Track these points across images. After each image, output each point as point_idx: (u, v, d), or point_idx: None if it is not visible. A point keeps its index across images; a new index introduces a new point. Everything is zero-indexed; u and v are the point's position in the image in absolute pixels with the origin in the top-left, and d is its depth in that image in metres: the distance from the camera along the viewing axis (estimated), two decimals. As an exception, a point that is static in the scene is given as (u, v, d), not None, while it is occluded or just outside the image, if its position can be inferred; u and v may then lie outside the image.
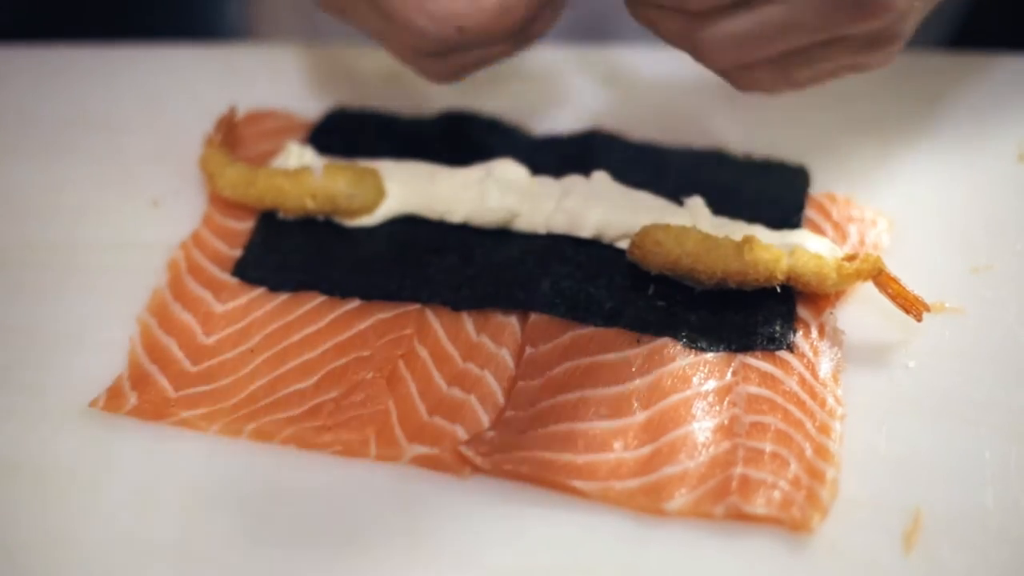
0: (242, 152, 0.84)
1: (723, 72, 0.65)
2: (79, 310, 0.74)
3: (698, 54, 0.63)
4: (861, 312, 0.72)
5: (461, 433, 0.65)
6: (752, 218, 0.75)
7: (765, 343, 0.69)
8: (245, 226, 0.78)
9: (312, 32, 1.13)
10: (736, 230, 0.73)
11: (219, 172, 0.79)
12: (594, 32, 1.07)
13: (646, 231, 0.71)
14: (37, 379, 0.70)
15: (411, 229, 0.77)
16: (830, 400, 0.66)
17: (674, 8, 0.60)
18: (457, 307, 0.71)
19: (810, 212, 0.78)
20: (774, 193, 0.79)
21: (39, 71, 0.94)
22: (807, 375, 0.67)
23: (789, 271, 0.69)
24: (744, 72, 0.64)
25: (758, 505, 0.61)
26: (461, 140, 0.84)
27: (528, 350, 0.69)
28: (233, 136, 0.84)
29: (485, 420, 0.66)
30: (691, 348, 0.68)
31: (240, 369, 0.69)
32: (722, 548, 0.60)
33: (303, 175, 0.77)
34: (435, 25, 0.66)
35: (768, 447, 0.63)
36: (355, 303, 0.72)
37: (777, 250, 0.69)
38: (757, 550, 0.60)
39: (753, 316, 0.70)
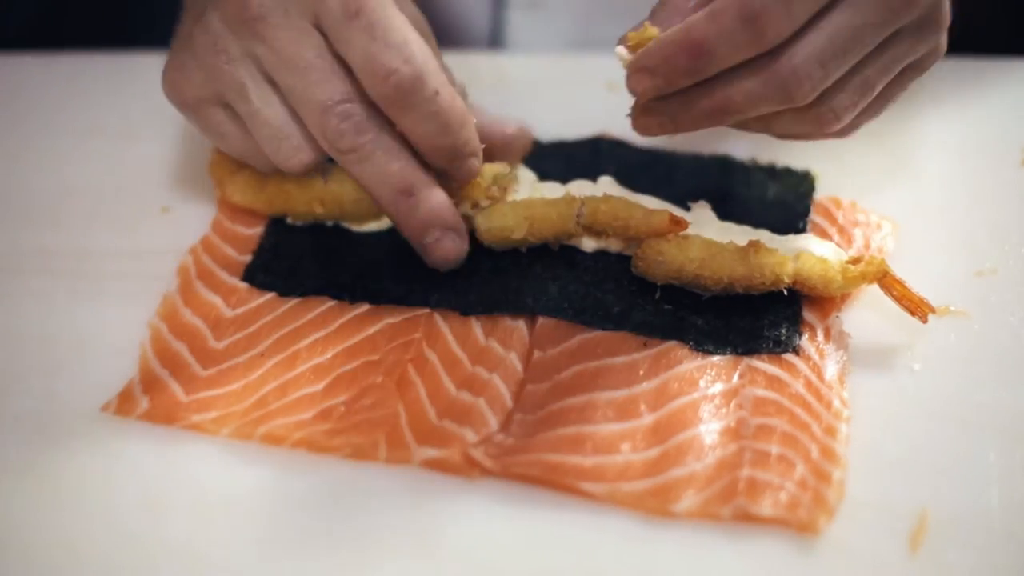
0: (251, 158, 0.84)
1: (815, 118, 0.68)
2: (90, 316, 0.74)
3: (786, 92, 0.64)
4: (866, 315, 0.72)
5: (470, 436, 0.65)
6: (758, 223, 0.76)
7: (771, 346, 0.69)
8: (254, 231, 0.79)
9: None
10: (742, 235, 0.73)
11: (228, 178, 0.79)
12: (596, 38, 1.07)
13: (648, 243, 0.71)
14: (49, 384, 0.70)
15: (419, 234, 0.77)
16: (836, 402, 0.67)
17: (748, 46, 0.63)
18: (466, 312, 0.72)
19: (815, 216, 0.79)
20: (779, 198, 0.80)
21: (50, 79, 0.95)
22: (813, 378, 0.68)
23: (795, 275, 0.70)
24: (828, 104, 0.67)
25: (765, 506, 0.61)
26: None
27: (536, 354, 0.69)
28: (242, 142, 0.84)
29: (494, 423, 0.66)
30: (698, 351, 0.69)
31: (250, 373, 0.70)
32: (729, 549, 0.61)
33: (311, 180, 0.77)
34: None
35: (775, 449, 0.64)
36: (364, 308, 0.73)
37: (783, 254, 0.70)
38: (764, 551, 0.60)
39: (759, 319, 0.70)
